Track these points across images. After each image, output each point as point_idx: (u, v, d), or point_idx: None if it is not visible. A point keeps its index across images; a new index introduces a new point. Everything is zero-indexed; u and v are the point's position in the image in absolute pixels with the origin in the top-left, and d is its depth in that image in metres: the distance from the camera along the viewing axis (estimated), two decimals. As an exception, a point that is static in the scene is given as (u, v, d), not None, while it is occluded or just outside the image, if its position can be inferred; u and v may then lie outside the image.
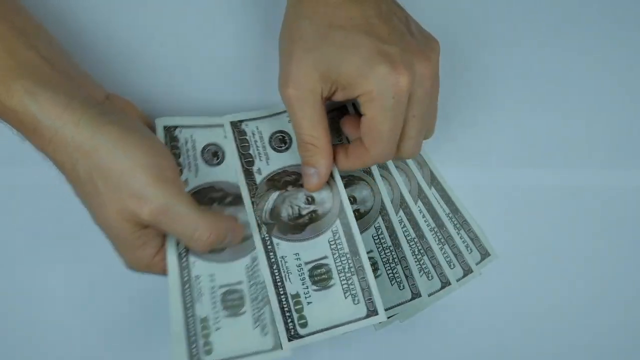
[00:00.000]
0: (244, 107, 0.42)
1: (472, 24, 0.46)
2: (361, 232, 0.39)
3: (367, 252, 0.39)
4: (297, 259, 0.37)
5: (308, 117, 0.35)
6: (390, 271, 0.43)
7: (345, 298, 0.37)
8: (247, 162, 0.40)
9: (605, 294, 0.44)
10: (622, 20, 0.46)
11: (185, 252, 0.36)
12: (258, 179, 0.40)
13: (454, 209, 0.44)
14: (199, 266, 0.36)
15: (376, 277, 0.40)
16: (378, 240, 0.43)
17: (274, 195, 0.39)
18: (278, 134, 0.41)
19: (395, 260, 0.43)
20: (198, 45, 0.43)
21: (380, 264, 0.40)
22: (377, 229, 0.43)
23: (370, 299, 0.36)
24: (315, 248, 0.38)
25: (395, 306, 0.42)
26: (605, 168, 0.45)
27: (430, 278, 0.43)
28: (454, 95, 0.45)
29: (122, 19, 0.43)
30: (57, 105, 0.31)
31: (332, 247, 0.38)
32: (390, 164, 0.44)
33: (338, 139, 0.43)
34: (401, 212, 0.44)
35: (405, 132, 0.35)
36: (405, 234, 0.43)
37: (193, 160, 0.39)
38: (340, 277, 0.37)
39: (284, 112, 0.42)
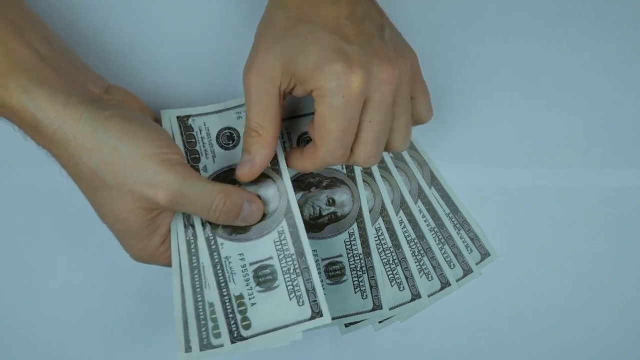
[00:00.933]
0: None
1: (471, 22, 0.45)
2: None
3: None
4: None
5: (261, 106, 0.35)
6: (391, 272, 0.43)
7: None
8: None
9: (605, 293, 0.44)
10: (621, 18, 0.46)
11: (212, 236, 0.37)
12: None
13: (453, 209, 0.44)
14: (227, 247, 0.37)
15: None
16: (378, 240, 0.43)
17: (297, 195, 0.41)
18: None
19: (396, 261, 0.43)
20: (197, 37, 0.43)
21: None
22: (377, 229, 0.43)
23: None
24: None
25: (395, 307, 0.42)
26: (605, 168, 0.45)
27: (430, 279, 0.43)
28: (453, 95, 0.45)
29: (126, 12, 0.43)
30: (56, 103, 0.31)
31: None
32: (391, 164, 0.44)
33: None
34: (401, 213, 0.44)
35: (358, 137, 0.35)
36: (406, 234, 0.43)
37: (209, 146, 0.39)
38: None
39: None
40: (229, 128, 0.40)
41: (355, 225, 0.41)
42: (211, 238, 0.38)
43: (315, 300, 0.37)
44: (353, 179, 0.42)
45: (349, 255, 0.41)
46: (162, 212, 0.35)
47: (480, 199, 0.44)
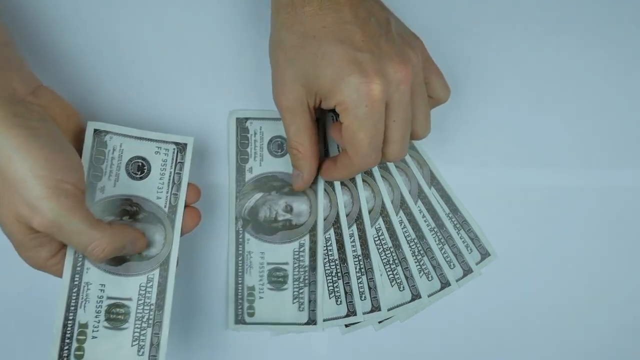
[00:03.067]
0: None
1: (473, 24, 0.45)
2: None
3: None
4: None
5: (295, 125, 0.36)
6: (391, 272, 0.43)
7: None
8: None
9: (605, 293, 0.44)
10: (621, 20, 0.46)
11: (242, 228, 0.41)
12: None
13: (453, 209, 0.44)
14: (252, 244, 0.41)
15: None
16: (378, 241, 0.43)
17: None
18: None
19: (396, 261, 0.43)
20: (195, 46, 0.43)
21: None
22: (377, 230, 0.43)
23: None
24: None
25: (395, 307, 0.43)
26: (605, 168, 0.45)
27: (430, 279, 0.43)
28: (454, 95, 0.45)
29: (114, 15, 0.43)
30: None
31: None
32: (391, 164, 0.44)
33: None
34: (401, 213, 0.44)
35: (387, 137, 0.35)
36: (406, 234, 0.43)
37: (259, 150, 0.42)
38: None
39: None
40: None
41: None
42: (240, 232, 0.42)
43: (314, 310, 0.41)
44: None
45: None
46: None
47: (480, 199, 0.44)
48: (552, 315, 0.44)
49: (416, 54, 0.35)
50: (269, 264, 0.41)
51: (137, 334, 0.36)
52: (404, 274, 0.43)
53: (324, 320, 0.41)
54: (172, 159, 0.39)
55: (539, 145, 0.45)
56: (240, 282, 0.41)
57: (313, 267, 0.42)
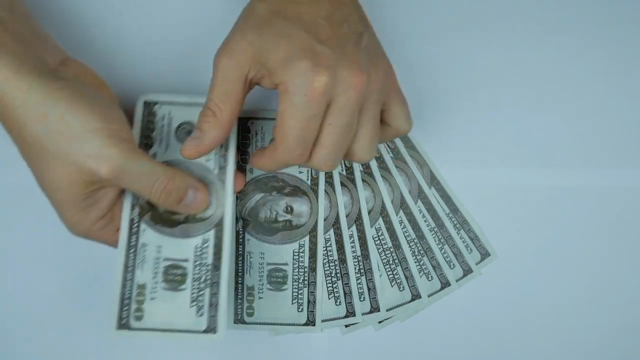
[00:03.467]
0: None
1: (473, 25, 0.45)
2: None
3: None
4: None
5: (224, 88, 0.34)
6: (391, 272, 0.43)
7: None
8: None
9: (605, 293, 0.44)
10: (621, 20, 0.46)
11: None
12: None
13: (453, 209, 0.44)
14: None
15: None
16: (378, 241, 0.43)
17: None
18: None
19: (396, 261, 0.43)
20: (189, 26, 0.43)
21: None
22: (377, 230, 0.43)
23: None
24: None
25: (395, 307, 0.43)
26: (605, 168, 0.45)
27: (430, 279, 0.43)
28: (454, 95, 0.45)
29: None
30: (8, 69, 0.32)
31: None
32: (390, 164, 0.44)
33: None
34: (401, 213, 0.44)
35: (318, 139, 0.34)
36: (406, 234, 0.43)
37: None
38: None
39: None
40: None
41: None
42: (240, 232, 0.42)
43: (313, 311, 0.41)
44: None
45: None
46: (102, 187, 0.35)
47: (480, 199, 0.44)
48: (552, 315, 0.44)
49: (377, 73, 0.34)
50: (268, 264, 0.42)
51: (195, 295, 0.37)
52: (404, 274, 0.43)
53: (323, 321, 0.41)
54: None
55: (539, 145, 0.45)
56: (240, 282, 0.41)
57: (313, 268, 0.42)
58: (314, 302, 0.41)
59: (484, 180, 0.45)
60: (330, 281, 0.42)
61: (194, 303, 0.37)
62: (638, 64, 0.46)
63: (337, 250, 0.42)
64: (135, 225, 0.38)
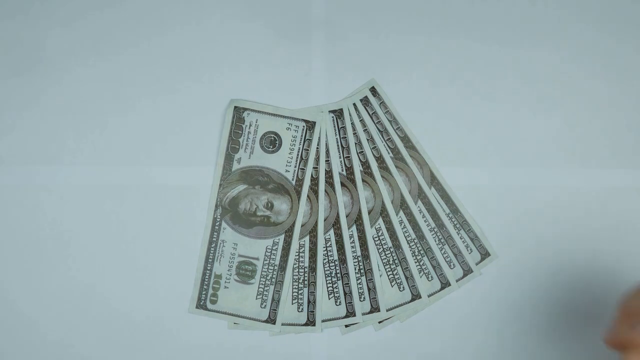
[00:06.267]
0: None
1: (474, 24, 0.45)
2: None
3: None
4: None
5: None
6: (391, 272, 0.43)
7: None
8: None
9: (605, 293, 0.44)
10: (621, 21, 0.46)
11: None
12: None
13: (453, 209, 0.44)
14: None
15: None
16: (378, 241, 0.43)
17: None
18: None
19: (396, 261, 0.43)
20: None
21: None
22: (377, 230, 0.43)
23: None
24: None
25: (395, 307, 0.43)
26: (605, 168, 0.45)
27: (430, 279, 0.43)
28: (454, 95, 0.45)
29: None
30: None
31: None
32: (391, 164, 0.44)
33: None
34: (401, 213, 0.44)
35: None
36: (406, 234, 0.43)
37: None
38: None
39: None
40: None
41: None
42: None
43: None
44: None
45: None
46: None
47: (480, 199, 0.44)
48: (552, 315, 0.44)
49: None
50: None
51: (261, 289, 0.42)
52: (404, 274, 0.43)
53: (323, 321, 0.41)
54: (301, 135, 0.43)
55: (539, 145, 0.45)
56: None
57: (313, 268, 0.42)
58: (314, 302, 0.41)
59: (484, 180, 0.45)
60: (330, 281, 0.42)
61: (259, 296, 0.42)
62: (638, 64, 0.46)
63: (337, 250, 0.42)
64: (217, 223, 0.42)
